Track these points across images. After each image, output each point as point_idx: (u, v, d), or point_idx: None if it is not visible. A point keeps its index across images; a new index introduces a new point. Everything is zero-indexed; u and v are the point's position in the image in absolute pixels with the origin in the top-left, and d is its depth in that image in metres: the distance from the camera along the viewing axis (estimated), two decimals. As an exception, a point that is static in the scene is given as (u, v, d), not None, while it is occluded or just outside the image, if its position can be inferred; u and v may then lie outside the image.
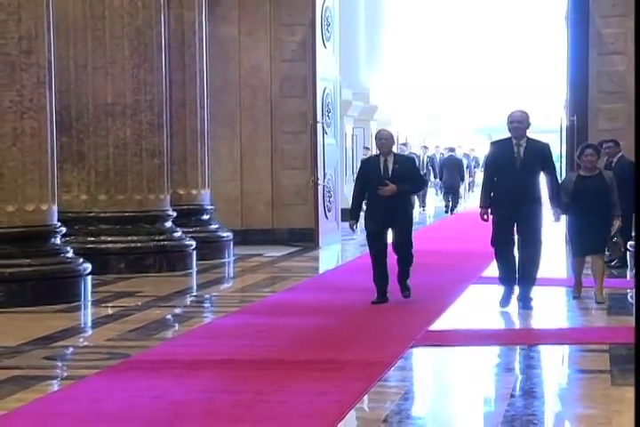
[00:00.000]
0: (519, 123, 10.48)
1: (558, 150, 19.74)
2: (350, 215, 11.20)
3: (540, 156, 10.45)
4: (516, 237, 10.52)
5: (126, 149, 13.91)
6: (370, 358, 8.08)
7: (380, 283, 10.84)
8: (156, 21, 14.05)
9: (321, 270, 15.48)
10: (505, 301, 10.55)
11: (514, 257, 10.61)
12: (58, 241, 11.38)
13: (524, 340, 8.99)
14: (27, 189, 10.90)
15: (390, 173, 10.78)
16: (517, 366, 8.10)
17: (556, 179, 10.79)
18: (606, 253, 12.20)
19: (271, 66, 19.18)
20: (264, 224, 18.87)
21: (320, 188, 18.35)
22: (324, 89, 19.09)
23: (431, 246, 16.35)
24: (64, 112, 13.39)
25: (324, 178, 18.61)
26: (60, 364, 8.12)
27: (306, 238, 18.34)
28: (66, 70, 13.52)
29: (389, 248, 10.93)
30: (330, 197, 19.04)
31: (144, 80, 13.94)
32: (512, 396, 7.02)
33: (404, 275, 10.99)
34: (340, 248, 18.58)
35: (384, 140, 10.97)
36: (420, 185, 11.60)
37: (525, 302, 10.46)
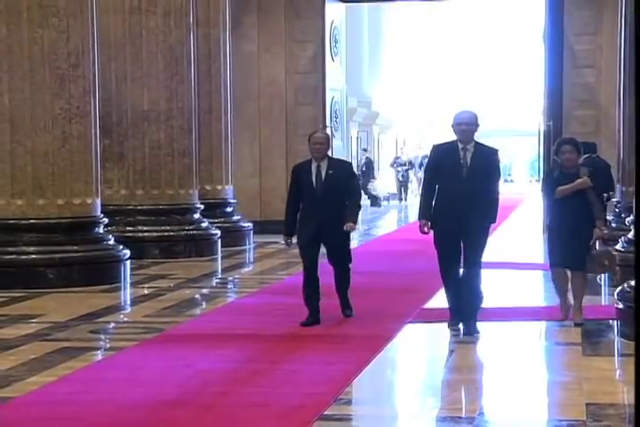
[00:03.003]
0: (467, 125, 8.04)
1: (536, 151, 19.73)
2: (284, 229, 8.70)
3: (487, 163, 8.05)
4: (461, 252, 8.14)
5: (160, 150, 13.94)
6: (372, 332, 8.10)
7: (311, 302, 8.52)
8: (186, 39, 14.07)
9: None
10: (454, 321, 8.23)
11: (459, 284, 8.17)
12: (101, 230, 11.41)
13: (506, 316, 9.00)
14: (74, 184, 10.92)
15: (323, 179, 8.39)
16: (500, 338, 8.11)
17: (496, 191, 8.16)
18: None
19: (286, 78, 19.16)
20: (280, 216, 18.65)
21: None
22: (333, 98, 19.11)
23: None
24: (106, 118, 13.40)
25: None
26: (103, 337, 8.14)
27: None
28: (108, 82, 13.54)
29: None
30: (337, 192, 19.03)
31: (176, 90, 13.96)
32: (495, 364, 7.05)
33: (341, 291, 8.81)
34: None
35: (318, 144, 8.48)
36: (357, 199, 8.66)
37: (470, 329, 8.05)
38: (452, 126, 8.10)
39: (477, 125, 8.11)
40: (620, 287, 8.02)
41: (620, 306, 7.81)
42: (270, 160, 18.95)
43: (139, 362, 7.00)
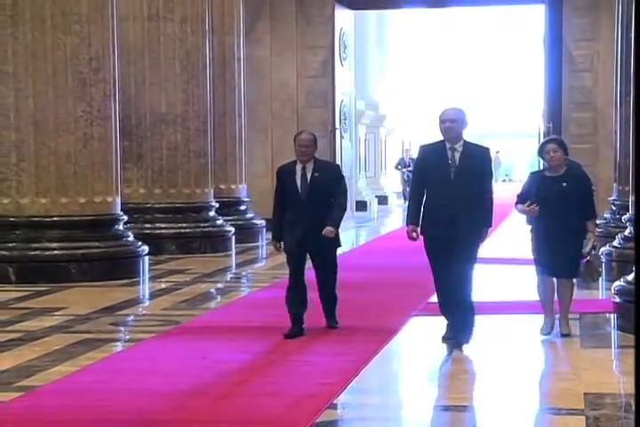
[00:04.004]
0: (452, 122, 7.09)
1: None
2: (272, 235, 7.85)
3: (479, 163, 7.12)
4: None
5: (177, 150, 13.96)
6: (379, 325, 8.10)
7: (295, 311, 7.65)
8: (201, 45, 14.09)
9: (338, 252, 15.46)
10: (448, 336, 7.32)
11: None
12: (121, 227, 11.43)
13: (507, 310, 8.99)
14: (95, 184, 10.94)
15: (309, 182, 7.54)
16: (501, 331, 8.11)
17: (491, 191, 7.23)
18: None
19: (297, 81, 19.17)
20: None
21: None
22: (342, 101, 19.10)
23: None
24: (126, 120, 13.42)
25: (341, 175, 18.59)
26: (122, 329, 8.15)
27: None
28: (127, 85, 13.55)
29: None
30: (346, 190, 19.02)
31: (192, 94, 13.98)
32: (496, 356, 7.04)
33: (328, 306, 7.82)
34: (355, 234, 18.58)
35: (304, 147, 7.62)
36: (342, 202, 7.65)
37: (461, 337, 7.23)
38: (439, 125, 7.18)
39: (464, 122, 7.16)
40: (616, 282, 8.02)
41: (617, 300, 7.80)
42: (281, 160, 18.62)
43: (157, 353, 7.01)
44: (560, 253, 7.37)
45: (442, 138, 7.20)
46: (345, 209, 7.75)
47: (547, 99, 18.27)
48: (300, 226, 7.51)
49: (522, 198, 7.60)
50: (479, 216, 7.09)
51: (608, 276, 9.95)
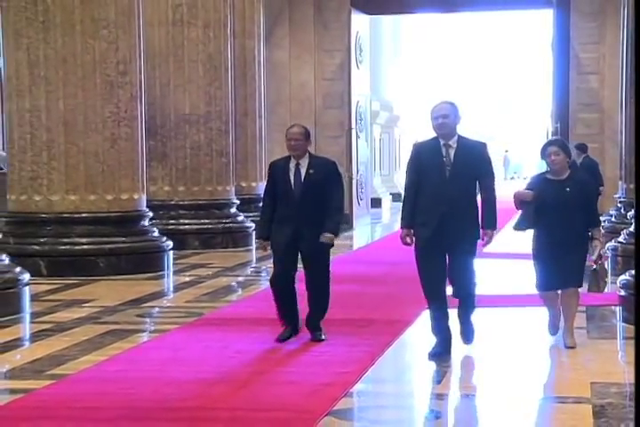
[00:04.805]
0: (444, 117, 6.40)
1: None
2: (260, 232, 7.15)
3: (475, 159, 6.46)
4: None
5: (200, 150, 13.98)
6: (394, 317, 8.10)
7: (288, 317, 7.04)
8: (223, 48, 14.10)
9: (355, 247, 15.49)
10: (436, 351, 6.61)
11: (446, 306, 6.72)
12: (146, 223, 11.45)
13: (515, 302, 8.97)
14: (122, 181, 10.97)
15: (303, 179, 6.81)
16: (509, 323, 8.10)
17: (493, 189, 6.56)
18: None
19: (315, 83, 19.18)
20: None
21: (354, 181, 18.35)
22: (358, 102, 19.07)
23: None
24: (151, 121, 13.45)
25: (357, 173, 18.59)
26: (148, 320, 8.17)
27: (342, 221, 18.27)
28: (153, 88, 13.59)
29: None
30: (362, 188, 19.03)
31: (214, 95, 13.99)
32: (505, 347, 7.03)
33: (315, 314, 7.04)
34: (370, 229, 18.58)
35: (293, 140, 6.84)
36: (337, 204, 6.88)
37: (468, 336, 6.89)
38: (431, 120, 6.49)
39: (457, 117, 6.49)
40: (622, 276, 8.02)
41: (622, 293, 7.80)
42: (300, 159, 18.92)
43: (181, 343, 7.03)
44: (565, 258, 6.72)
45: (435, 135, 6.57)
46: (342, 210, 7.20)
47: (555, 100, 18.22)
48: (291, 225, 6.78)
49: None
50: (475, 216, 6.52)
51: (613, 270, 9.93)
